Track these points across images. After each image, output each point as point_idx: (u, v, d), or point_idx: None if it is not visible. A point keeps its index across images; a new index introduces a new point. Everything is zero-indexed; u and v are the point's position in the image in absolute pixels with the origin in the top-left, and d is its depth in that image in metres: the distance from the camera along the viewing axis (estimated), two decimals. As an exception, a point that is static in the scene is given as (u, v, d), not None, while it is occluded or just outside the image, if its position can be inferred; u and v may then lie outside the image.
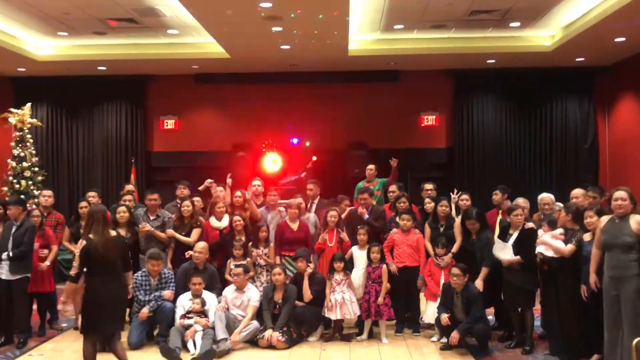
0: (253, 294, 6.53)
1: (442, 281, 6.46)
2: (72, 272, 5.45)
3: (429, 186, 7.54)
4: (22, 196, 9.38)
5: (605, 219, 5.20)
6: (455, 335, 5.94)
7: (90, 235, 5.07)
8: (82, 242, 5.12)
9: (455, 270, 6.10)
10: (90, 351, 5.17)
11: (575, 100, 11.38)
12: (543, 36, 9.98)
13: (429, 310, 6.61)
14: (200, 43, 10.04)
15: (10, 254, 6.25)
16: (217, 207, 7.27)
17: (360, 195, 7.33)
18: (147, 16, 8.62)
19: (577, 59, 10.54)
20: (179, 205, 7.38)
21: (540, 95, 11.47)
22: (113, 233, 5.28)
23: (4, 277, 6.31)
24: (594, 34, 8.75)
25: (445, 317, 6.03)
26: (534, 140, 11.52)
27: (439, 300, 6.35)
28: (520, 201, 6.91)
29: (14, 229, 6.38)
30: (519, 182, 11.35)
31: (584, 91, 11.36)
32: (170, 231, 7.05)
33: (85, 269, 5.12)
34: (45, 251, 6.77)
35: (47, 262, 6.75)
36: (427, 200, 7.12)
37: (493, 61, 10.74)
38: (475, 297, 6.04)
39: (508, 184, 11.09)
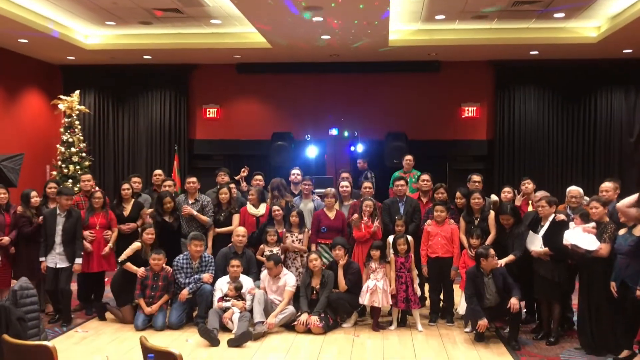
0: (289, 279, 6.67)
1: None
2: None
3: (476, 177, 7.34)
4: (70, 180, 9.80)
5: None
6: (515, 301, 5.89)
7: None
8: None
9: (492, 251, 6.12)
10: None
11: (621, 93, 11.13)
12: (588, 27, 9.78)
13: (464, 302, 6.61)
14: (243, 33, 10.20)
15: (80, 260, 6.69)
16: (249, 195, 7.48)
17: (396, 182, 7.37)
18: (191, 6, 8.81)
19: (624, 51, 10.29)
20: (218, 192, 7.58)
21: (585, 87, 11.26)
22: None
23: (59, 265, 6.64)
24: (642, 25, 8.55)
25: (484, 323, 5.98)
26: (577, 133, 11.33)
27: (465, 292, 6.34)
28: (574, 190, 6.66)
29: (63, 219, 6.65)
30: (561, 175, 11.22)
31: (630, 83, 11.09)
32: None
33: None
34: (109, 232, 7.07)
35: (110, 244, 7.05)
36: (457, 195, 7.03)
37: (536, 52, 10.57)
38: (505, 271, 6.11)
39: (550, 177, 11.09)
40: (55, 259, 6.64)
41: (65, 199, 6.67)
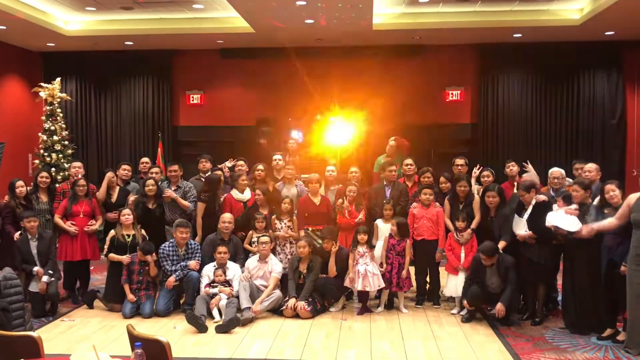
0: (275, 265, 6.69)
1: (462, 255, 6.53)
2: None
3: (460, 161, 7.41)
4: (53, 169, 9.68)
5: (634, 197, 5.17)
6: (501, 307, 5.90)
7: None
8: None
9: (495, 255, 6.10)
10: None
11: (604, 75, 11.19)
12: (571, 9, 9.80)
13: (450, 284, 6.67)
14: (225, 18, 10.10)
15: (48, 277, 6.46)
16: (240, 179, 7.42)
17: (388, 168, 7.36)
18: (172, -9, 8.70)
19: (606, 33, 10.33)
20: (202, 179, 7.57)
21: (568, 70, 11.29)
22: None
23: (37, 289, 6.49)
24: (624, 7, 8.56)
25: (501, 308, 5.94)
26: (560, 115, 11.38)
27: (461, 275, 6.38)
28: (556, 171, 6.76)
29: (35, 243, 6.54)
30: (544, 157, 11.28)
31: (613, 66, 11.14)
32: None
33: None
34: (92, 221, 7.06)
35: (97, 225, 7.06)
36: (441, 179, 7.07)
37: (519, 35, 10.59)
38: (508, 266, 6.01)
39: (533, 159, 11.07)
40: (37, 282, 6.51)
41: (27, 222, 6.50)
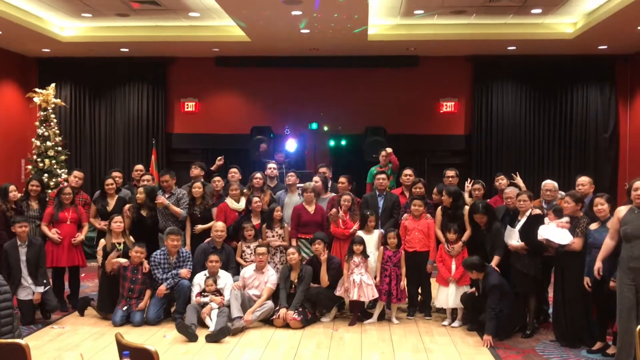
0: (271, 276, 6.66)
1: (453, 267, 6.53)
2: None
3: (450, 172, 7.38)
4: (46, 175, 9.63)
5: (623, 209, 5.16)
6: (487, 338, 5.86)
7: None
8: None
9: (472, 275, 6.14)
10: None
11: (597, 89, 11.27)
12: (565, 23, 9.88)
13: (441, 295, 6.66)
14: (221, 26, 10.12)
15: (43, 287, 6.43)
16: (232, 188, 7.40)
17: (378, 176, 7.36)
18: (168, -1, 8.71)
19: (599, 47, 10.42)
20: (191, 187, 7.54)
21: (561, 83, 11.37)
22: None
23: (37, 291, 6.43)
24: (617, 21, 8.66)
25: (487, 338, 5.88)
26: (553, 128, 11.45)
27: (452, 286, 6.43)
28: (549, 183, 6.75)
29: (25, 250, 6.45)
30: (537, 169, 11.33)
31: (605, 79, 11.23)
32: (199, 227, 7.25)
33: None
34: (78, 233, 7.06)
35: (82, 236, 7.05)
36: (435, 190, 7.09)
37: (513, 48, 10.66)
38: (490, 287, 5.96)
39: (526, 172, 11.21)
40: (30, 289, 6.42)
41: (18, 227, 6.41)
